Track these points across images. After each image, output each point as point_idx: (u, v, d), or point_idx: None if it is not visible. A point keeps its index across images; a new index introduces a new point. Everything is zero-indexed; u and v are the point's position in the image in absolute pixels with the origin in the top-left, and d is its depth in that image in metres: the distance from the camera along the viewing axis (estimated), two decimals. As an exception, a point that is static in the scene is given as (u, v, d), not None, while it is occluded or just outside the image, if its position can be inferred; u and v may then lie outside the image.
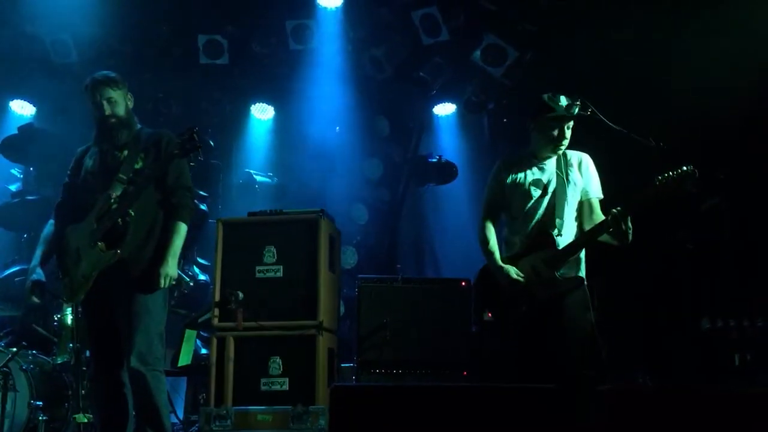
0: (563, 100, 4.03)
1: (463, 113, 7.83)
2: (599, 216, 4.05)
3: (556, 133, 4.05)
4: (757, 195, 5.75)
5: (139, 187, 3.85)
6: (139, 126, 4.17)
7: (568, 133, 4.09)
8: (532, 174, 4.15)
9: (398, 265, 6.88)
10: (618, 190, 4.16)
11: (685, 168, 3.75)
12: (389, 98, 7.77)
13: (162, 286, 3.92)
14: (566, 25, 6.65)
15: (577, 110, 4.06)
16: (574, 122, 4.08)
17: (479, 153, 7.78)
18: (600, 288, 5.51)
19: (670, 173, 3.75)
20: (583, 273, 4.10)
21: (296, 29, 7.14)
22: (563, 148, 4.13)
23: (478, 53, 6.98)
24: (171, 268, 3.93)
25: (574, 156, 4.19)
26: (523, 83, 7.04)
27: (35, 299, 4.05)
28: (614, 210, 3.84)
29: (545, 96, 4.07)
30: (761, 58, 5.63)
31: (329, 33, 7.21)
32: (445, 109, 8.01)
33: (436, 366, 5.16)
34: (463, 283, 5.39)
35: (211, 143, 7.50)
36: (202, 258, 6.95)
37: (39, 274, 4.05)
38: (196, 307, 6.15)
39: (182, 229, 4.01)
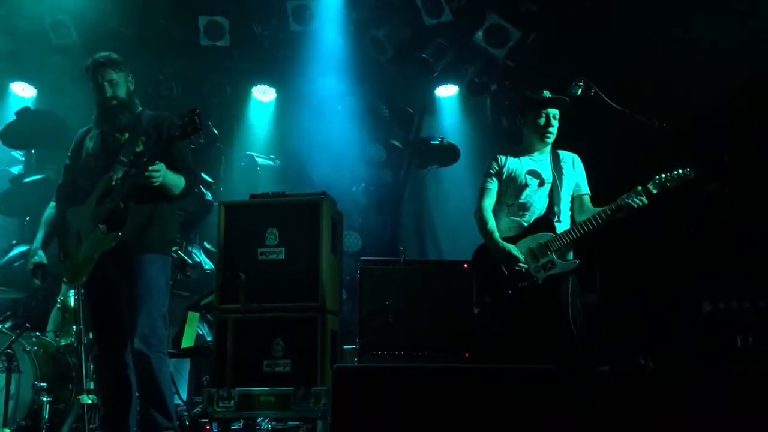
0: (545, 92, 4.28)
1: (465, 95, 7.78)
2: (590, 209, 4.31)
3: (542, 121, 4.28)
4: (761, 178, 5.72)
5: (140, 170, 3.84)
6: (140, 108, 4.16)
7: (555, 123, 4.31)
8: (528, 165, 4.36)
9: (400, 248, 6.87)
10: (620, 176, 4.21)
11: (683, 172, 4.01)
12: (391, 80, 7.73)
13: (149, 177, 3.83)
14: (569, 5, 6.59)
15: (579, 91, 4.14)
16: (559, 112, 4.30)
17: (482, 135, 7.75)
18: (602, 271, 5.53)
19: (669, 175, 3.93)
20: (570, 256, 4.26)
21: (297, 10, 7.09)
22: (552, 137, 4.34)
23: (480, 34, 6.92)
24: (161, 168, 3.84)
25: (567, 156, 4.43)
26: (525, 65, 6.99)
27: (37, 281, 4.07)
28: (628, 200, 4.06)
29: (527, 92, 4.37)
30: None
31: (330, 13, 7.16)
32: (447, 91, 7.96)
33: (437, 348, 5.17)
34: (465, 266, 5.37)
35: (215, 131, 7.49)
36: (209, 243, 6.96)
37: (40, 257, 4.06)
38: (199, 290, 6.16)
39: (180, 178, 3.98)
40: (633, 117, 4.12)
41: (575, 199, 4.38)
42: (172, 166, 3.96)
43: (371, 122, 7.81)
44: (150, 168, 3.78)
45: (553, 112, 4.30)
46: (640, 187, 4.07)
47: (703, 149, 3.86)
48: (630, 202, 4.06)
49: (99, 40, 6.79)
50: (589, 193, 4.42)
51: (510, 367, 3.09)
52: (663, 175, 4.05)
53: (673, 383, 3.18)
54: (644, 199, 4.05)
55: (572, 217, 4.37)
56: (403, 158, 7.99)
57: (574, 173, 4.39)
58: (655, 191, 4.05)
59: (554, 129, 4.31)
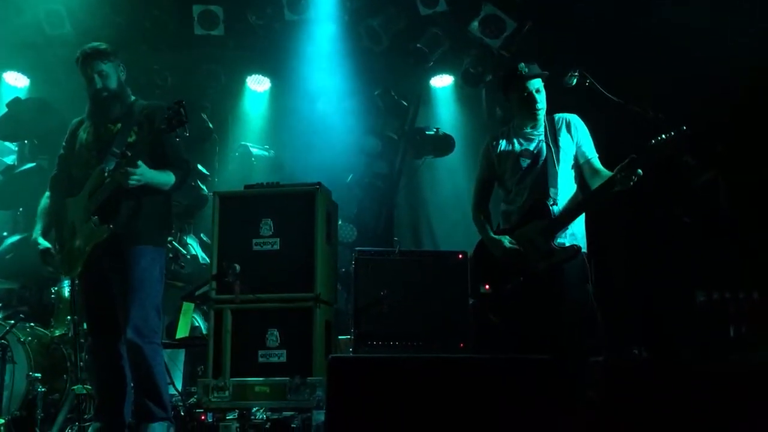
0: (521, 66, 4.08)
1: (460, 85, 7.76)
2: (604, 172, 3.99)
3: (525, 94, 4.07)
4: (755, 167, 5.73)
5: (117, 171, 3.80)
6: (132, 98, 4.13)
7: (541, 96, 4.10)
8: (520, 145, 4.17)
9: (395, 238, 6.87)
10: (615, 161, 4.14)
11: (675, 132, 3.69)
12: (386, 70, 7.70)
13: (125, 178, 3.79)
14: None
15: (574, 81, 4.07)
16: (542, 82, 4.09)
17: (477, 125, 7.73)
18: (596, 261, 5.53)
19: (665, 135, 3.70)
20: (581, 243, 4.08)
21: (291, -1, 7.06)
22: (541, 110, 4.12)
23: (476, 24, 6.90)
24: (140, 170, 3.79)
25: (561, 119, 4.19)
26: (521, 55, 6.97)
27: (50, 268, 4.03)
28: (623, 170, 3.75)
29: (502, 72, 4.25)
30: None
31: (325, 3, 7.12)
32: (442, 81, 7.95)
33: (432, 338, 5.17)
34: (460, 256, 5.37)
35: (210, 125, 7.46)
36: (206, 235, 6.95)
37: (44, 243, 4.02)
38: (194, 281, 6.15)
39: (169, 175, 3.95)
40: (628, 107, 4.07)
41: (583, 166, 4.09)
42: (163, 159, 3.94)
43: (366, 112, 7.78)
44: (128, 169, 3.72)
45: (535, 85, 4.07)
46: (635, 155, 3.76)
47: (698, 139, 3.81)
48: (623, 173, 3.73)
49: (92, 30, 6.74)
50: (596, 154, 4.10)
51: (504, 357, 3.09)
52: (653, 141, 3.72)
53: (666, 373, 3.19)
54: (638, 170, 3.71)
55: (577, 191, 4.09)
56: (398, 148, 7.98)
57: (572, 140, 4.12)
58: (647, 155, 3.71)
59: (541, 102, 4.08)
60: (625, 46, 6.12)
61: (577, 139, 4.15)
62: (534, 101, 4.08)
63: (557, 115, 4.19)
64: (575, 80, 4.12)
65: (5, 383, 4.49)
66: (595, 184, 4.01)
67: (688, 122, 3.74)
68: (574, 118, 4.20)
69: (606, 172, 3.98)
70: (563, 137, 4.13)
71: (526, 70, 4.07)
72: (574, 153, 4.13)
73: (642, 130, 3.96)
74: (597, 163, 4.10)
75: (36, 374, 4.66)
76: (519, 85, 4.10)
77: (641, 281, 5.97)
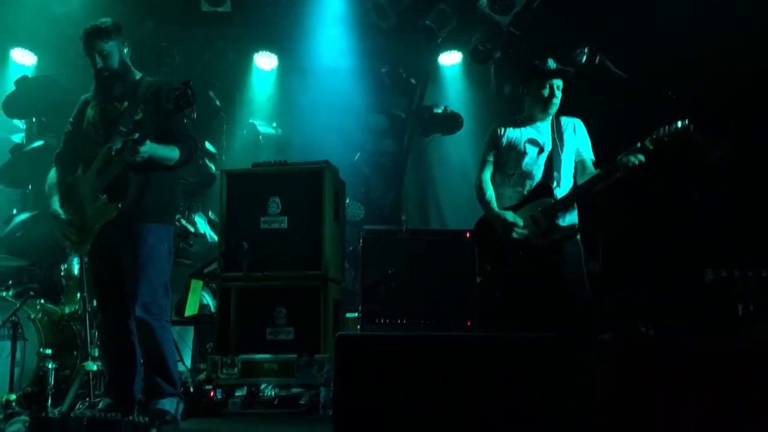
0: (551, 62, 4.22)
1: (469, 62, 7.71)
2: (591, 172, 4.25)
3: (546, 92, 4.23)
4: (765, 144, 5.68)
5: (139, 141, 3.80)
6: (139, 75, 4.11)
7: (559, 94, 4.26)
8: (528, 133, 4.32)
9: (403, 217, 6.88)
10: (623, 145, 4.14)
11: (681, 125, 3.78)
12: (394, 47, 7.65)
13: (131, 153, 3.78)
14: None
15: (584, 58, 4.09)
16: (563, 82, 4.26)
17: (485, 103, 7.69)
18: (605, 238, 5.52)
19: (665, 129, 3.79)
20: (575, 220, 4.23)
21: (299, -25, 7.01)
22: (555, 108, 4.30)
23: (484, 0, 6.84)
24: (146, 146, 3.79)
25: (569, 122, 4.37)
26: (530, 31, 6.90)
27: (68, 242, 4.01)
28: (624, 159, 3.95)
29: (535, 61, 4.28)
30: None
31: (333, -21, 7.08)
32: (450, 59, 7.89)
33: (440, 316, 5.19)
34: (468, 234, 5.37)
35: (218, 103, 7.45)
36: (214, 213, 6.96)
37: (62, 214, 3.99)
38: (202, 259, 6.18)
39: (174, 150, 3.94)
40: (638, 85, 4.05)
41: (578, 165, 4.33)
42: (169, 135, 3.93)
43: (374, 90, 7.75)
44: (135, 146, 3.72)
45: (557, 83, 4.26)
46: (639, 144, 3.95)
47: (709, 116, 3.78)
48: (626, 160, 3.94)
49: (100, 6, 6.69)
50: (592, 157, 4.36)
51: (510, 335, 3.09)
52: (660, 130, 3.88)
53: (673, 351, 3.19)
54: (641, 156, 3.90)
55: (575, 182, 4.33)
56: (406, 127, 7.95)
57: (576, 139, 4.34)
58: (651, 147, 3.89)
59: (557, 100, 4.27)
60: (635, 24, 6.04)
61: (579, 139, 4.35)
62: (552, 97, 4.25)
63: (564, 117, 4.37)
64: (585, 57, 4.13)
65: (16, 360, 4.52)
66: (581, 182, 4.24)
67: (698, 99, 3.71)
68: (579, 123, 4.40)
69: (593, 173, 4.23)
70: (567, 136, 4.32)
71: (554, 66, 4.21)
72: (575, 150, 4.33)
73: (650, 108, 3.94)
74: (590, 165, 4.31)
75: (47, 351, 4.70)
76: (541, 80, 4.24)
77: (649, 259, 5.96)
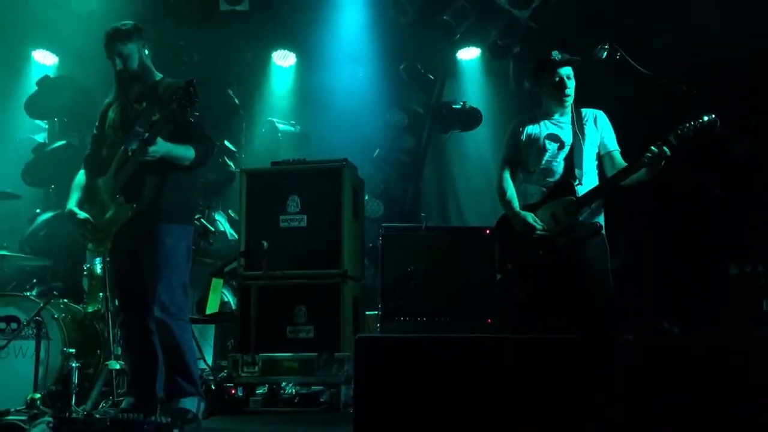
0: (555, 53, 4.15)
1: (487, 58, 7.66)
2: (622, 165, 4.12)
3: (557, 80, 4.15)
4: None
5: (150, 140, 3.80)
6: (159, 76, 4.13)
7: (570, 83, 4.18)
8: (548, 129, 4.25)
9: (422, 214, 6.85)
10: (645, 142, 4.09)
11: (707, 119, 3.73)
12: (412, 43, 7.62)
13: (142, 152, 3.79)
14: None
15: (604, 54, 4.03)
16: (573, 71, 4.17)
17: (504, 98, 7.63)
18: (627, 235, 5.46)
19: (690, 125, 3.75)
20: (602, 221, 4.15)
21: (317, -29, 7.00)
22: (570, 98, 4.21)
23: (503, -5, 6.79)
24: (158, 145, 3.80)
25: (589, 113, 4.29)
26: (549, 26, 6.84)
27: (87, 241, 4.04)
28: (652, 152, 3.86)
29: (540, 56, 4.23)
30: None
31: (350, -25, 7.07)
32: (469, 54, 7.85)
33: (459, 314, 5.18)
34: (488, 231, 5.35)
35: (236, 101, 7.46)
36: (234, 211, 6.99)
37: (82, 213, 4.02)
38: (222, 257, 6.21)
39: (189, 149, 3.94)
40: (659, 81, 3.99)
41: (604, 158, 4.22)
42: (185, 135, 3.94)
43: (392, 86, 7.73)
44: (145, 146, 3.73)
45: (566, 72, 4.17)
46: (667, 139, 3.85)
47: (731, 113, 3.71)
48: (650, 155, 3.85)
49: (119, 6, 6.75)
50: (618, 148, 4.23)
51: (531, 337, 3.07)
52: (685, 125, 3.82)
53: (698, 347, 3.15)
54: (666, 151, 3.82)
55: (602, 177, 4.21)
56: (425, 123, 7.92)
57: (597, 131, 4.25)
58: (675, 142, 3.83)
59: (570, 89, 4.19)
60: (657, 19, 5.97)
61: (601, 131, 4.24)
62: (564, 87, 4.16)
63: (585, 109, 4.28)
64: (606, 53, 4.08)
65: (41, 359, 4.58)
66: None
67: (721, 94, 3.66)
68: (601, 114, 4.29)
69: (623, 165, 4.10)
70: (589, 128, 4.22)
71: (559, 56, 4.14)
72: (598, 144, 4.23)
73: (673, 104, 3.89)
74: (618, 156, 4.19)
75: (70, 350, 4.74)
76: (550, 71, 4.17)
77: (673, 254, 5.90)
